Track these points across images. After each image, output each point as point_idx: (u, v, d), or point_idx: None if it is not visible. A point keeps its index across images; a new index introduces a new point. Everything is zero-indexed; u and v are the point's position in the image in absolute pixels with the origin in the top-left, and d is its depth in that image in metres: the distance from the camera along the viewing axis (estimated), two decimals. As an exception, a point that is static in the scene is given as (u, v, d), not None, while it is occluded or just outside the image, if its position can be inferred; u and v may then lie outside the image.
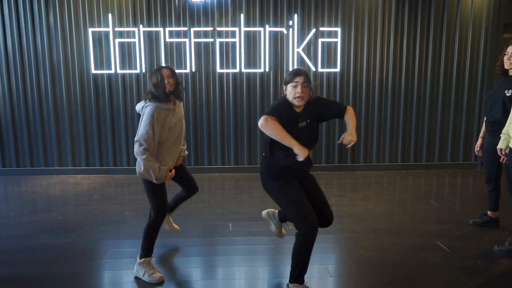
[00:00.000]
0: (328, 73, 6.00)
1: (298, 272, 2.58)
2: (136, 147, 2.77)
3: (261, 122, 2.44)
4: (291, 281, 2.62)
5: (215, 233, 3.74)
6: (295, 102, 2.57)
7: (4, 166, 6.02)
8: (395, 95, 6.14)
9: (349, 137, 2.59)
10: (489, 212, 3.86)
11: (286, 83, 2.60)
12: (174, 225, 3.54)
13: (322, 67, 5.95)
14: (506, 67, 3.43)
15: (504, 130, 3.14)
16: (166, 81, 2.85)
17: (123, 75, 5.86)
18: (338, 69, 5.97)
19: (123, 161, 6.02)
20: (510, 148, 3.04)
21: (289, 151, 2.49)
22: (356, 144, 6.18)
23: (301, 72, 2.57)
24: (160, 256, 3.27)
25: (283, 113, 2.52)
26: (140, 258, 2.93)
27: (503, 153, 3.18)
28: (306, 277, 2.63)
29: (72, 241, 3.57)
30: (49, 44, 5.76)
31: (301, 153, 2.40)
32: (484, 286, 2.79)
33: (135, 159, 2.82)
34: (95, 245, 3.49)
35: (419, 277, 2.91)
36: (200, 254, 3.34)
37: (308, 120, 2.64)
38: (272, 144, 2.58)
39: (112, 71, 5.82)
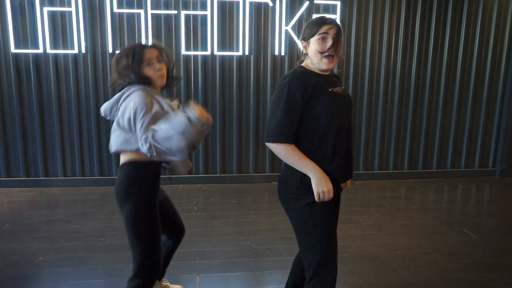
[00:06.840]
0: (323, 59, 4.79)
1: None
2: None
3: (276, 150, 1.73)
4: None
5: None
6: (323, 65, 1.73)
7: None
8: (404, 87, 5.01)
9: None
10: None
11: (308, 38, 1.75)
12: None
13: (316, 51, 4.73)
14: None
15: None
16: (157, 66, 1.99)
17: (56, 55, 4.43)
18: (335, 54, 4.76)
19: (57, 169, 4.61)
20: None
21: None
22: (354, 150, 5.04)
23: (329, 20, 1.74)
24: None
25: (302, 92, 1.69)
26: None
27: None
28: None
29: None
30: (-49, 12, 4.25)
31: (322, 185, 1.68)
32: None
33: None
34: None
35: None
36: None
37: (343, 87, 1.87)
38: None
39: (40, 50, 4.38)
